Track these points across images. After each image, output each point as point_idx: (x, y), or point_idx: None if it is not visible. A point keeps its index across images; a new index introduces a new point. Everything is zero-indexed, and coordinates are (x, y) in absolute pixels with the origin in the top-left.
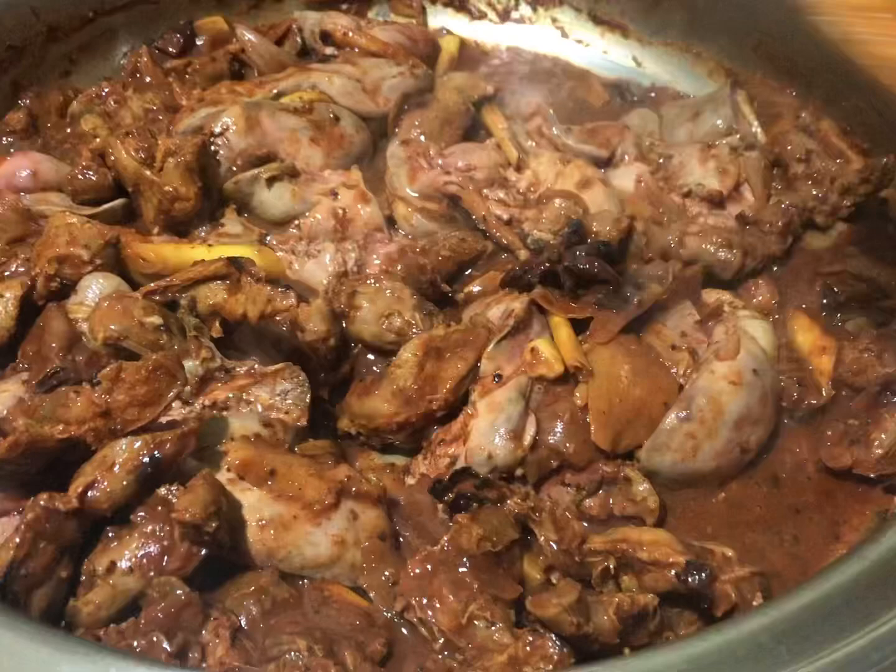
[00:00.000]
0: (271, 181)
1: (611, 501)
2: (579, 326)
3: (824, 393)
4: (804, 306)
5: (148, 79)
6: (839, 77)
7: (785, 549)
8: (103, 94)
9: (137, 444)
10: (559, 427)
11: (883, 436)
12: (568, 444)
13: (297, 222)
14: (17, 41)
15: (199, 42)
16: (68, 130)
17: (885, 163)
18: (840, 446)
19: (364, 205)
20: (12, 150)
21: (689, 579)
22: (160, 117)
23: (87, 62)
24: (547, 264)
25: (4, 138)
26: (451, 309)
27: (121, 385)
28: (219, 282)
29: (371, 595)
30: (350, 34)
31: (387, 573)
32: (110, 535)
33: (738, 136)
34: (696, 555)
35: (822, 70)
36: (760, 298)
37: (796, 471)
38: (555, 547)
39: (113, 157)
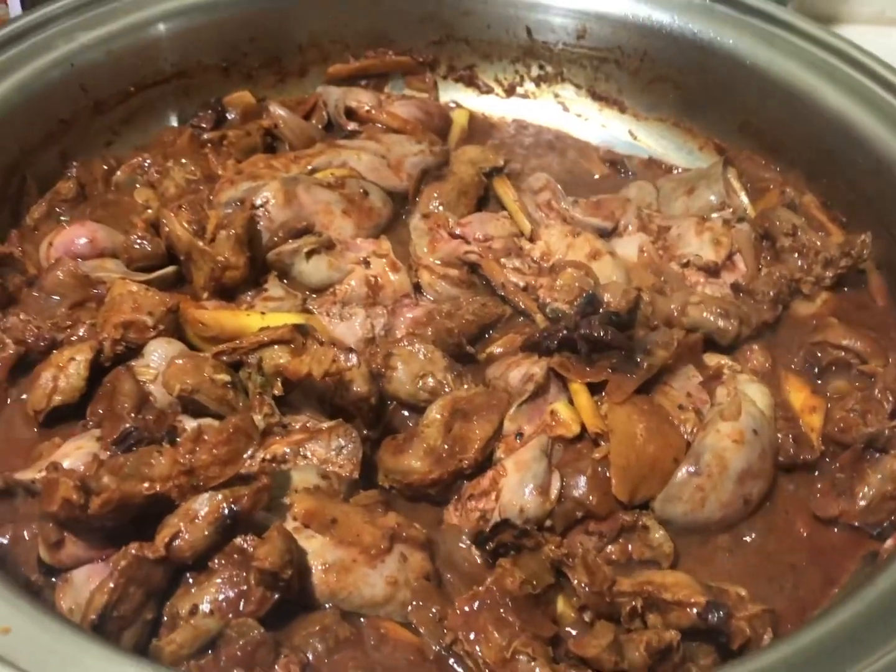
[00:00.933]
0: (310, 254)
1: (630, 547)
2: (594, 387)
3: (815, 448)
4: (794, 368)
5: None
6: (817, 156)
7: (785, 593)
8: (145, 164)
9: (218, 499)
10: (582, 482)
11: (866, 489)
12: (591, 498)
13: (333, 288)
14: (66, 115)
15: (229, 116)
16: (111, 197)
17: (861, 239)
18: (828, 498)
19: (394, 272)
20: (62, 218)
21: (710, 617)
22: (201, 187)
23: (128, 132)
24: (565, 332)
25: (57, 207)
26: (472, 366)
27: (203, 445)
28: (283, 345)
29: (421, 630)
30: (372, 111)
31: (434, 610)
32: (190, 580)
33: (730, 210)
34: (714, 595)
35: (802, 149)
36: (755, 362)
37: (791, 520)
38: (587, 589)
39: (167, 229)
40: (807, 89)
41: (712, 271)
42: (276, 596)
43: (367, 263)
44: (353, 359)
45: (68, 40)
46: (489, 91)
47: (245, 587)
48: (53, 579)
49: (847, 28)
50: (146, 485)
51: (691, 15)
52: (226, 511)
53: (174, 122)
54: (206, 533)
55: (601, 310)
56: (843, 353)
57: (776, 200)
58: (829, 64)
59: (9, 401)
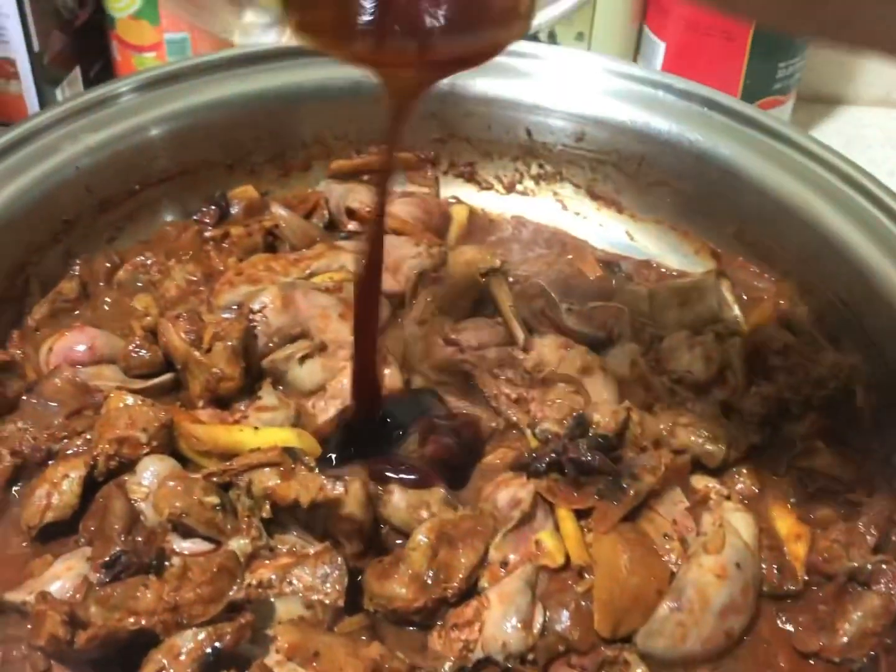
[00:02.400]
0: (303, 359)
1: None
2: (582, 511)
3: (799, 579)
4: (781, 493)
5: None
6: (810, 270)
7: None
8: (147, 263)
9: (201, 637)
10: (565, 616)
11: (847, 625)
12: (573, 632)
13: (325, 386)
14: (71, 216)
15: (232, 210)
16: (110, 299)
17: (851, 363)
18: (810, 632)
19: (386, 369)
20: (61, 319)
21: None
22: (201, 288)
23: (131, 227)
24: (553, 455)
25: (60, 306)
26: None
27: (188, 584)
28: (272, 468)
29: None
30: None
31: None
32: None
33: (722, 324)
34: None
35: (796, 261)
36: (742, 486)
37: (773, 652)
38: None
39: (164, 339)
40: (800, 204)
41: (702, 388)
42: None
43: None
44: (340, 488)
45: (74, 143)
46: (489, 187)
47: None
48: None
49: (852, 109)
50: (132, 619)
51: (689, 123)
52: (209, 649)
53: (177, 217)
54: (190, 670)
55: (590, 432)
56: (829, 482)
57: (770, 312)
58: (825, 179)
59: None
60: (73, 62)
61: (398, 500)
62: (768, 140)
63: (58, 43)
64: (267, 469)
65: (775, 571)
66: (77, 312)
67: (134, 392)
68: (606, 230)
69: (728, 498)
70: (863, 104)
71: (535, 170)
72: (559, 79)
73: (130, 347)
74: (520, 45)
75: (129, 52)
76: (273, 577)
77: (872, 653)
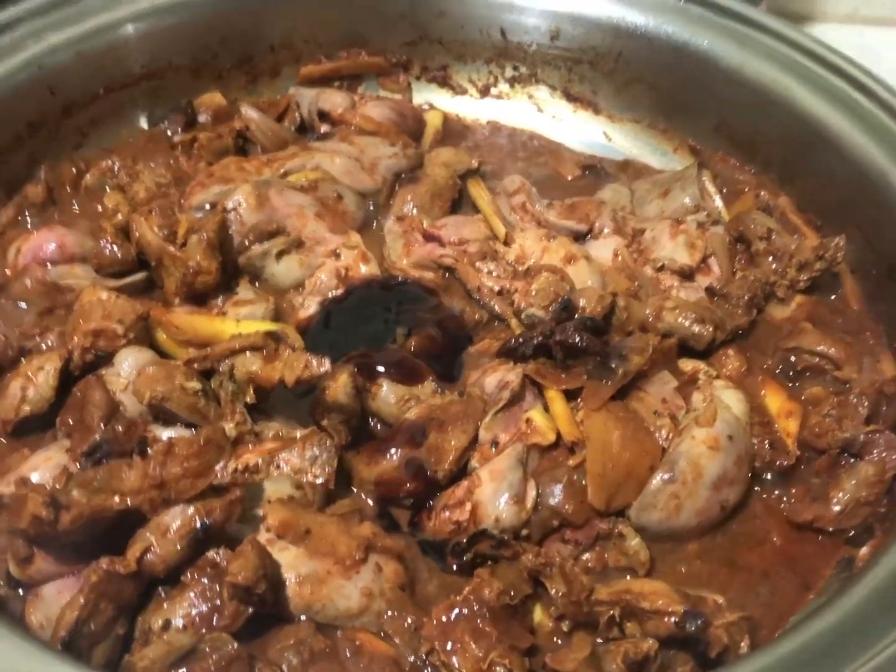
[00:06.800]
0: (280, 255)
1: (606, 555)
2: (570, 393)
3: (791, 453)
4: (770, 373)
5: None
6: (791, 157)
7: (761, 600)
8: (115, 168)
9: (190, 512)
10: (558, 490)
11: (840, 494)
12: (567, 506)
13: (304, 282)
14: (34, 118)
15: (200, 118)
16: (78, 203)
17: (836, 243)
18: (803, 503)
19: (364, 263)
20: (29, 221)
21: (688, 626)
22: (171, 191)
23: (97, 135)
24: (540, 338)
25: (26, 211)
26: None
27: (174, 459)
28: (255, 352)
29: (396, 640)
30: (345, 114)
31: (409, 620)
32: (162, 594)
33: (704, 213)
34: (691, 603)
35: (777, 151)
36: (731, 367)
37: (766, 526)
38: (564, 598)
39: (137, 234)
40: (780, 90)
41: (687, 275)
42: (250, 610)
43: (337, 255)
44: (327, 364)
45: (37, 41)
46: (463, 92)
47: (218, 601)
48: (21, 592)
49: (820, 27)
50: (117, 499)
51: (666, 16)
52: (198, 524)
53: (144, 125)
54: (179, 547)
55: (576, 315)
56: (817, 359)
57: (751, 203)
58: (802, 65)
59: None
60: None
61: (386, 394)
62: (746, 29)
63: None
64: (249, 353)
65: (767, 447)
66: (44, 217)
67: (108, 289)
68: (583, 132)
69: (717, 377)
70: (831, 21)
71: (509, 72)
72: None
73: (102, 244)
74: None
75: None
76: (259, 461)
77: (867, 523)
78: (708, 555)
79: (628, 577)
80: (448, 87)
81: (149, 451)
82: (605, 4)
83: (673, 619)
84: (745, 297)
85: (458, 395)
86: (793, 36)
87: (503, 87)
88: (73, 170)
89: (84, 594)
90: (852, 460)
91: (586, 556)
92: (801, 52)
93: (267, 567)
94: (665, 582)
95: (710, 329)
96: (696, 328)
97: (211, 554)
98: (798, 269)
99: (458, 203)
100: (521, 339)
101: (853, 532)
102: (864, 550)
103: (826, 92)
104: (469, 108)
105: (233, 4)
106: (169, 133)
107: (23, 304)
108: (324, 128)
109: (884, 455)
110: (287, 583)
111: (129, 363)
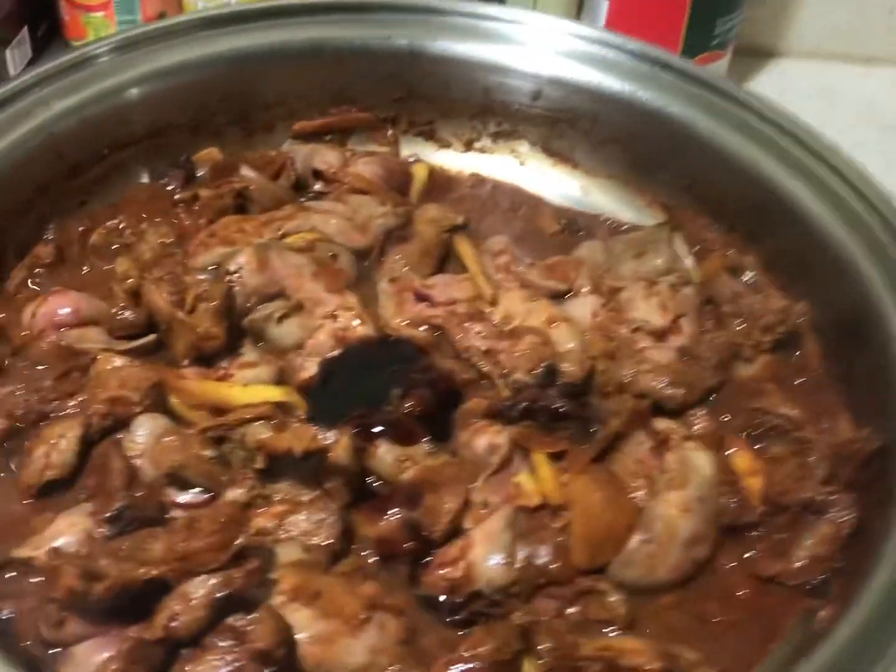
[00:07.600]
0: (281, 319)
1: (588, 609)
2: (556, 453)
3: (755, 510)
4: (736, 432)
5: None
6: (756, 220)
7: (729, 651)
8: (120, 227)
9: (212, 583)
10: (544, 551)
11: (801, 551)
12: (552, 566)
13: (304, 343)
14: (43, 181)
15: (199, 173)
16: (86, 262)
17: (797, 309)
18: (767, 558)
19: (361, 325)
20: (38, 282)
21: None
22: (175, 250)
23: (101, 192)
24: (525, 403)
25: (37, 270)
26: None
27: (197, 534)
28: (265, 421)
29: None
30: (338, 173)
31: None
32: (184, 656)
33: (676, 274)
34: (668, 660)
35: (743, 214)
36: (700, 426)
37: (733, 580)
38: (552, 652)
39: (148, 300)
40: (746, 159)
41: (659, 336)
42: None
43: (334, 317)
44: (331, 436)
45: (45, 109)
46: (448, 145)
47: (239, 664)
48: (51, 653)
49: (784, 62)
50: (143, 570)
51: (641, 83)
52: (219, 594)
53: (146, 179)
54: (203, 614)
55: (559, 381)
56: (779, 420)
57: (719, 262)
58: (767, 135)
59: (1, 474)
60: (21, 24)
61: (384, 454)
62: (715, 98)
63: (5, 5)
64: (259, 423)
65: (733, 505)
66: (55, 276)
67: (120, 353)
68: (562, 185)
69: (688, 438)
70: (794, 57)
71: (492, 128)
72: (516, 40)
73: (114, 310)
74: (477, 7)
75: (77, 12)
76: (270, 525)
77: (824, 576)
78: (682, 606)
79: (610, 631)
80: (434, 141)
81: (169, 515)
82: (584, 69)
83: None
84: (715, 359)
85: (451, 453)
86: (759, 107)
87: (486, 141)
88: (80, 227)
89: (117, 662)
90: (812, 518)
91: (570, 610)
92: (767, 123)
93: (285, 632)
94: (643, 635)
95: (682, 392)
96: (668, 391)
97: (230, 620)
98: (762, 330)
99: (447, 259)
100: (508, 404)
101: (814, 584)
102: (823, 614)
103: (787, 162)
104: (453, 160)
105: (230, 66)
106: (170, 188)
107: (40, 367)
108: (318, 185)
109: (839, 514)
110: (299, 642)
111: (144, 429)
